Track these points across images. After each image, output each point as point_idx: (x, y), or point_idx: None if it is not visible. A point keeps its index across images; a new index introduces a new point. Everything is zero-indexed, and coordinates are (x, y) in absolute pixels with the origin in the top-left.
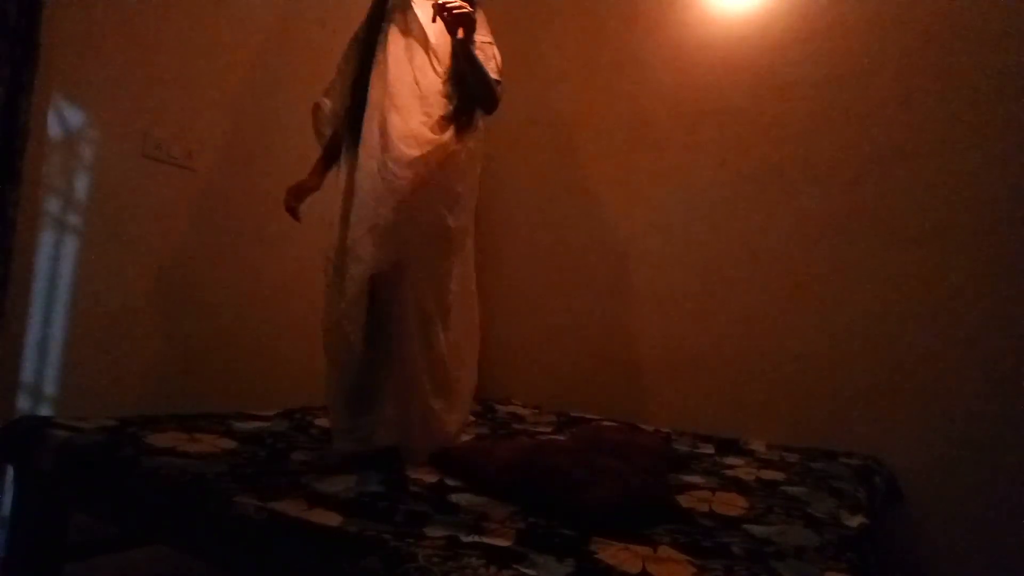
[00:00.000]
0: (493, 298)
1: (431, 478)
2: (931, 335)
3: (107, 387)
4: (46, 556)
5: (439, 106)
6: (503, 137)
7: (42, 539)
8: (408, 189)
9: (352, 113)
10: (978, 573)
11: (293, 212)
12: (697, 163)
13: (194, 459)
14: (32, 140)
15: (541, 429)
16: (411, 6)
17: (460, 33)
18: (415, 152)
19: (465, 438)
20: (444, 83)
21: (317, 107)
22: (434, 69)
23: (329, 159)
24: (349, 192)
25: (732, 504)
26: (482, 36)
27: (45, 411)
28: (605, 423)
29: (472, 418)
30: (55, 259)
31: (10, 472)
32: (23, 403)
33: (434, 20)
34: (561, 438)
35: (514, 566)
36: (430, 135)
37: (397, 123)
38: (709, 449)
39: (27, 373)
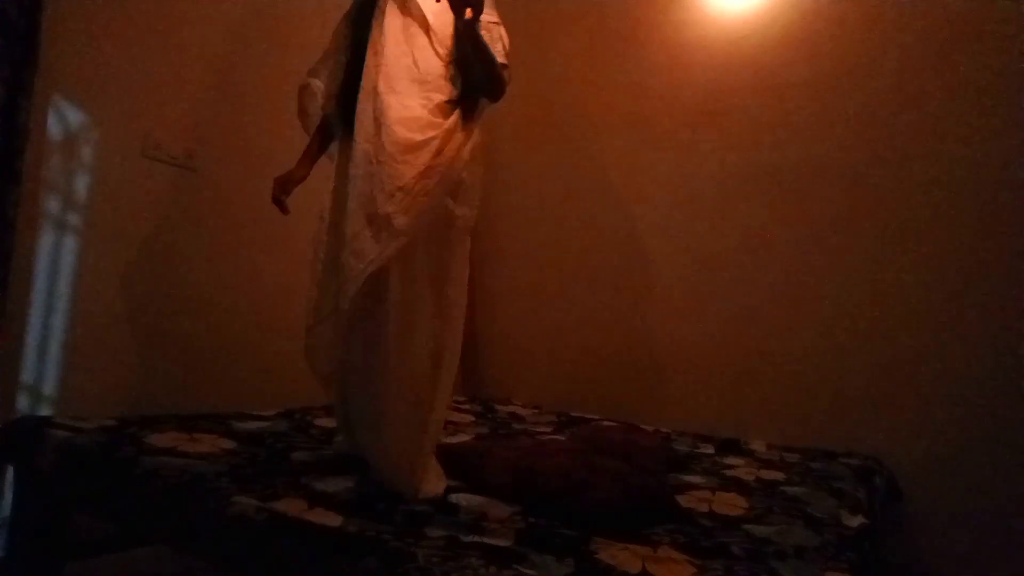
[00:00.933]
0: (493, 297)
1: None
2: (931, 335)
3: (107, 387)
4: (46, 556)
5: (440, 90)
6: (503, 136)
7: (42, 539)
8: (408, 175)
9: (345, 96)
10: (978, 573)
11: (281, 205)
12: (697, 163)
13: (194, 459)
14: (32, 140)
15: (541, 429)
16: None
17: (468, 13)
18: (416, 136)
19: (465, 438)
20: (446, 67)
21: (305, 88)
22: (435, 51)
23: (319, 146)
24: (343, 181)
25: (732, 504)
26: (488, 16)
27: (45, 411)
28: (605, 423)
29: (471, 418)
30: (55, 259)
31: (10, 472)
32: (23, 403)
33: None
34: (561, 438)
35: (514, 566)
36: (432, 119)
37: (395, 106)
38: (709, 449)
39: (27, 373)
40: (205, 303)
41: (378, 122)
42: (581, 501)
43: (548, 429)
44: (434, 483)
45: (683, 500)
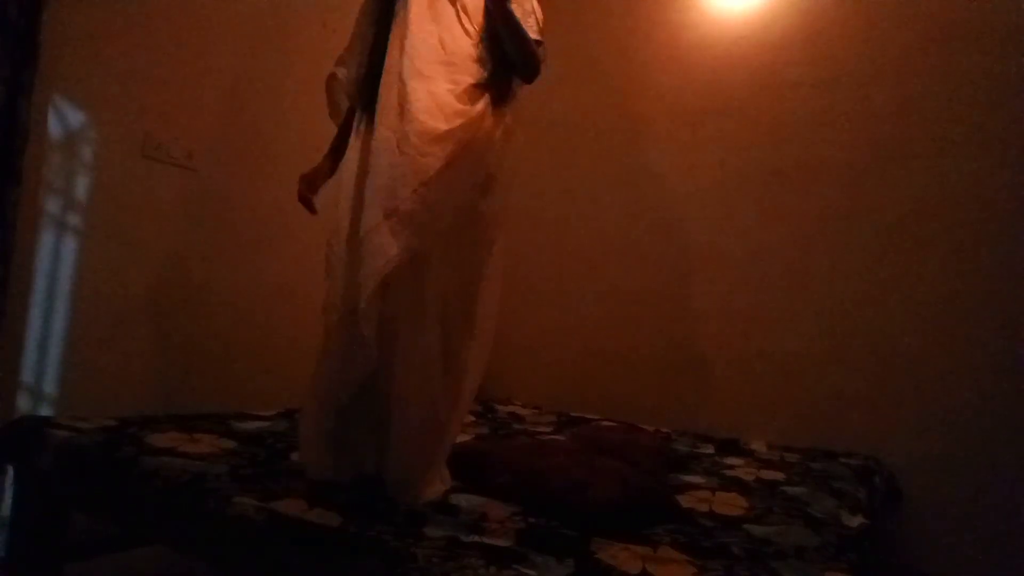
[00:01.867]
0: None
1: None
2: (931, 335)
3: (107, 387)
4: (46, 556)
5: (469, 72)
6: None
7: (42, 539)
8: (433, 168)
9: (368, 81)
10: (978, 573)
11: (308, 204)
12: (697, 163)
13: (194, 459)
14: (32, 140)
15: (541, 429)
16: None
17: None
18: (442, 126)
19: (465, 438)
20: (476, 46)
21: (332, 77)
22: (464, 29)
23: (345, 139)
24: (363, 171)
25: (732, 504)
26: None
27: (45, 411)
28: (605, 423)
29: (471, 418)
30: (55, 259)
31: (10, 472)
32: (23, 403)
33: None
34: (561, 438)
35: (514, 566)
36: (459, 106)
37: (420, 92)
38: (709, 449)
39: (27, 373)
40: (205, 303)
41: (402, 109)
42: (581, 501)
43: (548, 429)
44: (436, 486)
45: (683, 500)
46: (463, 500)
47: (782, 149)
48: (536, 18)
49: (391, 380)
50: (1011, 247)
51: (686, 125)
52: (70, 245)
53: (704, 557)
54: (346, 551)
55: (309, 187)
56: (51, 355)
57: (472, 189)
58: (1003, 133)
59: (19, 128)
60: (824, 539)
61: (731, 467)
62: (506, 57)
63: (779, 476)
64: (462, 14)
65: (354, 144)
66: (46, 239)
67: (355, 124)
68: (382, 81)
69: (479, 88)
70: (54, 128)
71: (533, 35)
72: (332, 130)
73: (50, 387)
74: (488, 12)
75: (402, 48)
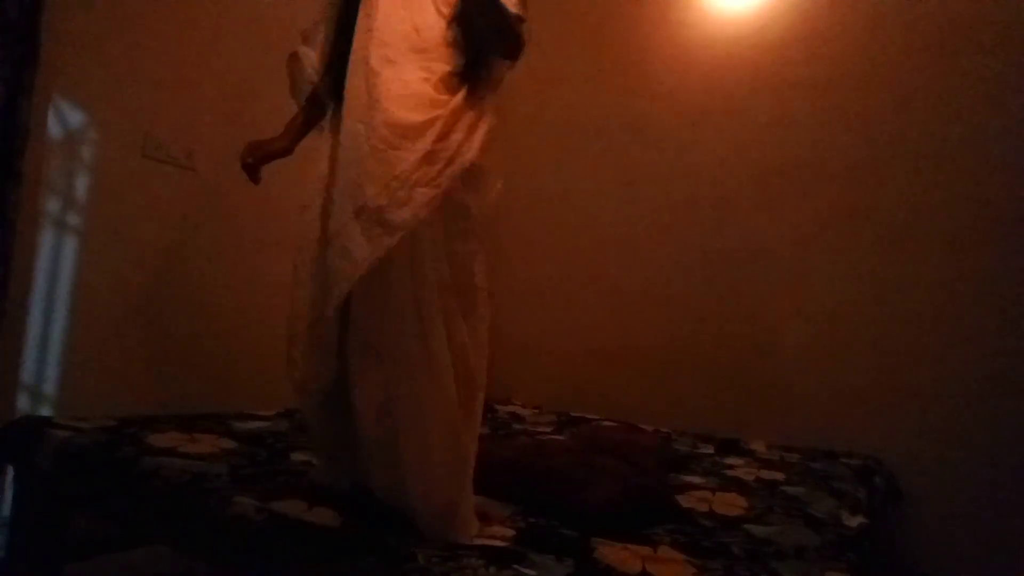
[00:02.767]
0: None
1: None
2: (931, 335)
3: (107, 387)
4: (46, 556)
5: (443, 59)
6: (503, 136)
7: (42, 539)
8: (407, 162)
9: (336, 68)
10: (978, 573)
11: (251, 171)
12: (697, 163)
13: (194, 459)
14: (32, 140)
15: (541, 429)
16: None
17: None
18: (416, 117)
19: None
20: (448, 27)
21: (294, 57)
22: (438, 10)
23: (305, 120)
24: (332, 172)
25: (732, 504)
26: None
27: (45, 411)
28: (605, 423)
29: None
30: (55, 259)
31: (10, 472)
32: (23, 403)
33: None
34: (561, 438)
35: (514, 566)
36: (435, 95)
37: (391, 80)
38: (709, 449)
39: (27, 373)
40: (205, 303)
41: (372, 98)
42: (581, 501)
43: (548, 429)
44: (472, 523)
45: (683, 500)
46: None
47: (782, 149)
48: None
49: (395, 399)
50: (1011, 247)
51: (686, 125)
52: (70, 245)
53: (704, 557)
54: (346, 551)
55: (253, 153)
56: (51, 355)
57: (452, 182)
58: (1002, 133)
59: (19, 128)
60: (824, 539)
61: (731, 467)
62: (481, 36)
63: (779, 476)
64: None
65: (323, 142)
66: (46, 239)
67: (327, 112)
68: (349, 69)
69: (456, 76)
70: (54, 128)
71: (513, 9)
72: None
73: (50, 387)
74: None
75: (370, 31)
